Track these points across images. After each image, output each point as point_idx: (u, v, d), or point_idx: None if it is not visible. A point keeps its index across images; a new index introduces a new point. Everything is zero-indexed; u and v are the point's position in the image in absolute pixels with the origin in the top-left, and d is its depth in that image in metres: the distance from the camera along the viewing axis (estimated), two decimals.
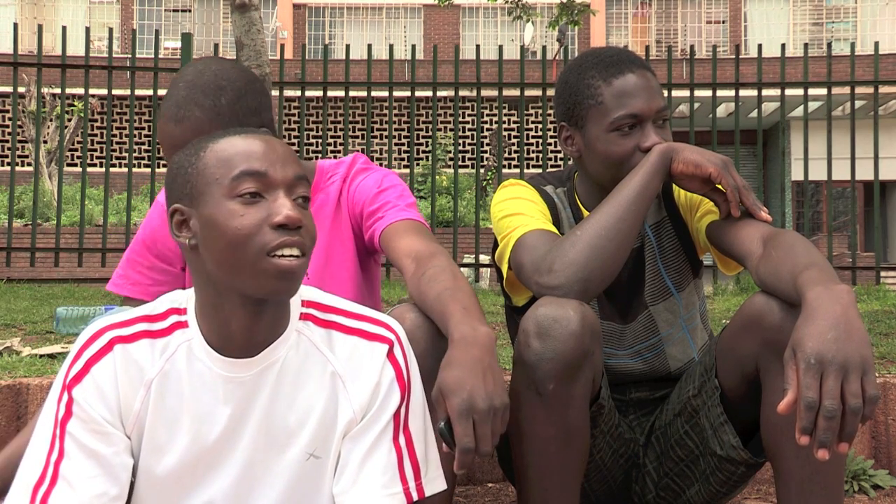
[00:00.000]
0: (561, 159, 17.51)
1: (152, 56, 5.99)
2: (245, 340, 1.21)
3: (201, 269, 1.20)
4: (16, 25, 5.68)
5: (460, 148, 18.42)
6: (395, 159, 15.58)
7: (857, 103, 11.55)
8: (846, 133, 5.87)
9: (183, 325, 1.24)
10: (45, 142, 14.76)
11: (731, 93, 5.87)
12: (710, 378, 1.57)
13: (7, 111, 19.25)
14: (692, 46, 5.91)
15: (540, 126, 17.40)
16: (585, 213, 1.74)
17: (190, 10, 22.44)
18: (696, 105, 7.21)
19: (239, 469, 1.23)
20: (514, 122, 18.71)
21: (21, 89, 13.60)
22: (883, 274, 5.92)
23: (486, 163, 17.35)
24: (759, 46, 5.67)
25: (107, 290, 1.76)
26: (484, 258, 6.24)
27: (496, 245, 1.71)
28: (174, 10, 22.42)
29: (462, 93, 9.51)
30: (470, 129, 18.73)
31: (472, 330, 1.26)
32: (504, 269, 1.67)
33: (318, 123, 18.68)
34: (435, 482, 1.25)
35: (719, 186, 1.58)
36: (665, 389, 1.76)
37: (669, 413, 1.69)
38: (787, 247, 1.41)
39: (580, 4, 8.82)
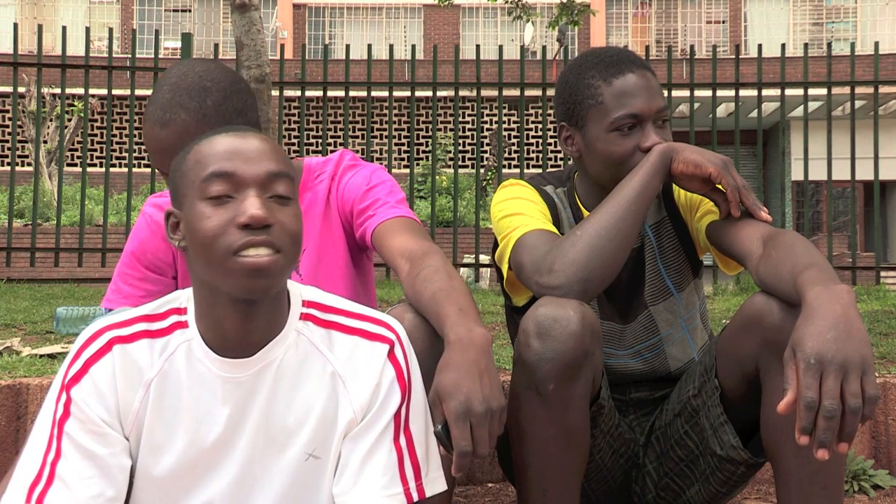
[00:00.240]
0: (561, 159, 17.50)
1: (152, 56, 5.99)
2: (240, 340, 1.21)
3: (193, 270, 1.21)
4: (16, 25, 5.68)
5: (460, 148, 18.42)
6: (395, 159, 15.58)
7: (857, 103, 11.56)
8: (846, 133, 5.87)
9: (183, 325, 1.24)
10: (45, 142, 14.77)
11: (731, 93, 5.87)
12: (710, 378, 1.57)
13: (7, 111, 19.25)
14: (692, 46, 5.91)
15: (540, 126, 17.41)
16: (585, 213, 1.74)
17: (190, 10, 22.44)
18: (696, 105, 7.21)
19: (238, 469, 1.23)
20: (514, 122, 18.70)
21: (21, 89, 13.60)
22: (883, 274, 5.92)
23: (486, 163, 17.35)
24: (759, 46, 5.67)
25: (102, 307, 1.75)
26: (484, 258, 6.24)
27: (496, 245, 1.71)
28: (174, 10, 22.41)
29: (462, 93, 9.52)
30: (470, 129, 18.73)
31: (467, 332, 1.26)
32: (504, 269, 1.67)
33: (318, 123, 18.67)
34: (435, 483, 1.25)
35: (719, 186, 1.58)
36: (665, 389, 1.76)
37: (669, 413, 1.69)
38: (787, 247, 1.41)
39: (580, 4, 8.82)
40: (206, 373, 1.22)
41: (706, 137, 5.98)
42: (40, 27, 5.73)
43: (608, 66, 1.65)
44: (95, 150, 18.58)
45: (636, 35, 22.59)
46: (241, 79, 1.61)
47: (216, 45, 6.30)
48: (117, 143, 18.32)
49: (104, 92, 6.24)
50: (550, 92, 5.22)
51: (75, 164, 17.76)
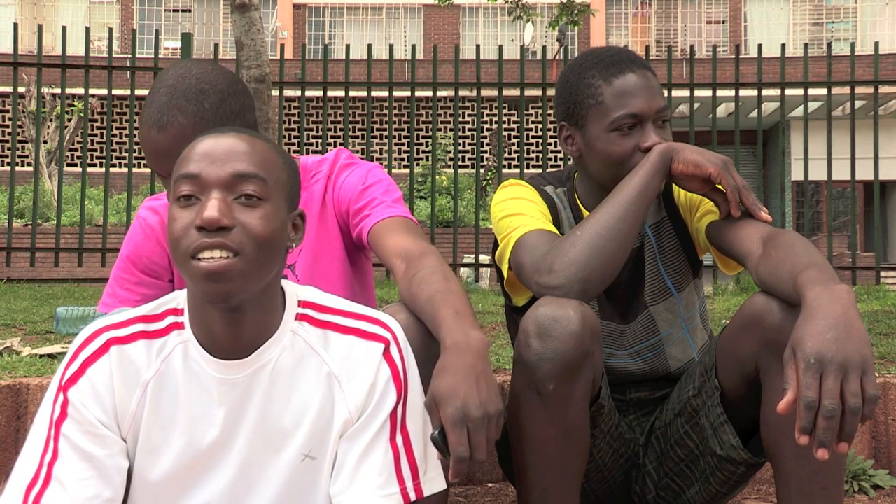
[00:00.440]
0: (561, 159, 17.51)
1: (152, 56, 5.99)
2: (230, 342, 1.20)
3: None
4: (16, 25, 5.68)
5: (460, 148, 18.42)
6: (395, 159, 15.58)
7: (857, 103, 11.55)
8: (846, 133, 5.87)
9: (179, 325, 1.24)
10: (45, 142, 14.77)
11: (731, 93, 5.86)
12: (710, 378, 1.57)
13: (7, 111, 19.25)
14: (692, 46, 5.91)
15: (540, 126, 17.40)
16: (585, 213, 1.74)
17: (190, 10, 22.44)
18: (696, 105, 7.21)
19: (234, 471, 1.23)
20: (514, 122, 18.70)
21: (21, 89, 13.60)
22: (883, 274, 5.92)
23: (486, 163, 17.36)
24: (759, 46, 5.67)
25: (98, 311, 1.75)
26: (484, 258, 6.24)
27: (496, 245, 1.71)
28: (174, 10, 22.42)
29: (462, 93, 9.52)
30: (470, 129, 18.73)
31: (464, 336, 1.24)
32: (504, 269, 1.67)
33: (318, 123, 18.67)
34: (434, 482, 1.24)
35: (719, 186, 1.58)
36: (665, 389, 1.76)
37: (669, 413, 1.69)
38: (787, 247, 1.41)
39: (580, 4, 8.82)
40: (202, 374, 1.22)
41: (706, 137, 5.98)
42: (40, 27, 5.73)
43: (609, 65, 1.65)
44: (95, 150, 18.59)
45: (636, 35, 22.59)
46: (238, 80, 1.60)
47: (216, 45, 6.30)
48: (117, 143, 18.32)
49: (104, 92, 6.24)
50: (550, 92, 5.22)
51: (75, 164, 17.77)
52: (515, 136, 18.90)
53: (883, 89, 6.11)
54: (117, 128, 18.26)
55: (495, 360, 2.60)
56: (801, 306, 1.25)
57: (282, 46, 6.32)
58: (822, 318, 1.19)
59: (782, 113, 5.99)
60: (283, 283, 1.28)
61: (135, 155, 8.73)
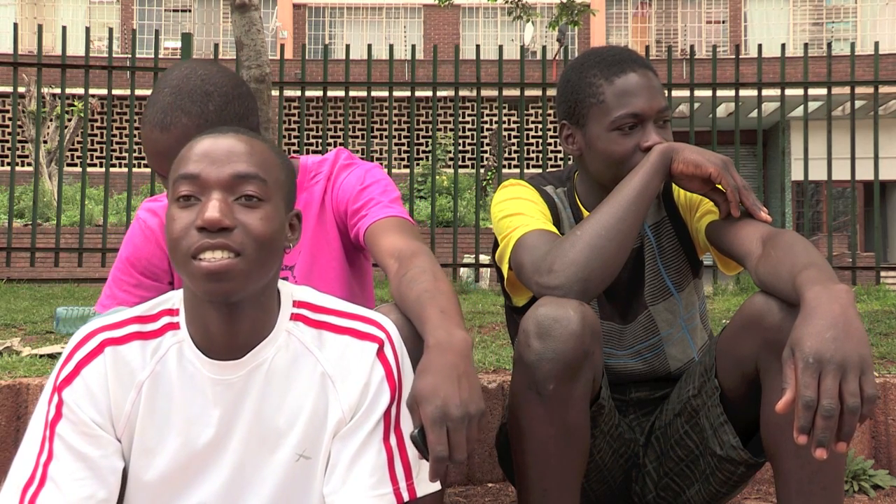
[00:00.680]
0: (561, 159, 17.50)
1: (152, 56, 5.99)
2: (226, 342, 1.20)
3: None
4: (16, 25, 5.68)
5: (460, 148, 18.42)
6: (395, 159, 15.58)
7: (857, 103, 11.56)
8: (846, 133, 5.87)
9: (174, 326, 1.24)
10: (45, 142, 14.77)
11: (731, 93, 5.86)
12: (710, 378, 1.57)
13: (7, 111, 19.25)
14: (692, 46, 5.91)
15: (540, 126, 17.40)
16: (585, 212, 1.74)
17: (190, 10, 22.44)
18: (696, 105, 7.21)
19: (229, 471, 1.23)
20: (514, 122, 18.70)
21: (21, 89, 13.61)
22: (883, 274, 5.92)
23: (486, 163, 17.35)
24: (759, 46, 5.67)
25: (95, 311, 1.74)
26: (484, 258, 6.24)
27: (496, 245, 1.71)
28: (174, 10, 22.41)
29: (462, 93, 9.51)
30: (470, 129, 18.73)
31: (447, 335, 1.23)
32: (504, 269, 1.67)
33: (318, 123, 18.67)
34: (428, 483, 1.23)
35: (719, 186, 1.58)
36: (665, 389, 1.76)
37: (669, 413, 1.69)
38: (787, 247, 1.41)
39: (580, 4, 8.82)
40: (197, 374, 1.22)
41: (706, 137, 5.98)
42: (40, 27, 5.73)
43: (610, 64, 1.65)
44: (95, 150, 18.58)
45: (636, 35, 22.58)
46: (242, 82, 1.59)
47: (216, 45, 6.29)
48: (117, 143, 18.31)
49: (104, 92, 6.24)
50: (550, 92, 5.23)
51: (75, 164, 17.76)
52: (515, 136, 18.90)
53: (883, 89, 6.11)
54: (117, 128, 18.26)
55: (495, 360, 2.60)
56: (800, 306, 1.25)
57: (282, 46, 6.32)
58: (820, 318, 1.19)
59: (782, 113, 5.99)
60: (278, 282, 1.28)
61: (135, 155, 8.73)
